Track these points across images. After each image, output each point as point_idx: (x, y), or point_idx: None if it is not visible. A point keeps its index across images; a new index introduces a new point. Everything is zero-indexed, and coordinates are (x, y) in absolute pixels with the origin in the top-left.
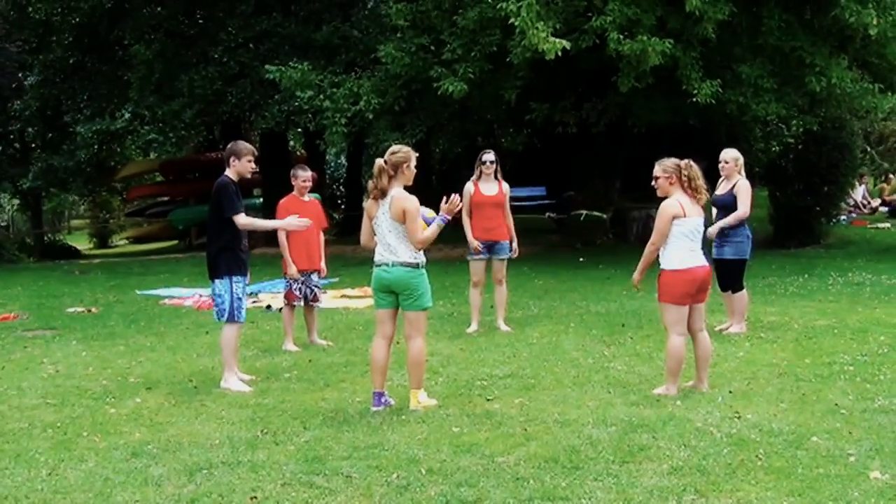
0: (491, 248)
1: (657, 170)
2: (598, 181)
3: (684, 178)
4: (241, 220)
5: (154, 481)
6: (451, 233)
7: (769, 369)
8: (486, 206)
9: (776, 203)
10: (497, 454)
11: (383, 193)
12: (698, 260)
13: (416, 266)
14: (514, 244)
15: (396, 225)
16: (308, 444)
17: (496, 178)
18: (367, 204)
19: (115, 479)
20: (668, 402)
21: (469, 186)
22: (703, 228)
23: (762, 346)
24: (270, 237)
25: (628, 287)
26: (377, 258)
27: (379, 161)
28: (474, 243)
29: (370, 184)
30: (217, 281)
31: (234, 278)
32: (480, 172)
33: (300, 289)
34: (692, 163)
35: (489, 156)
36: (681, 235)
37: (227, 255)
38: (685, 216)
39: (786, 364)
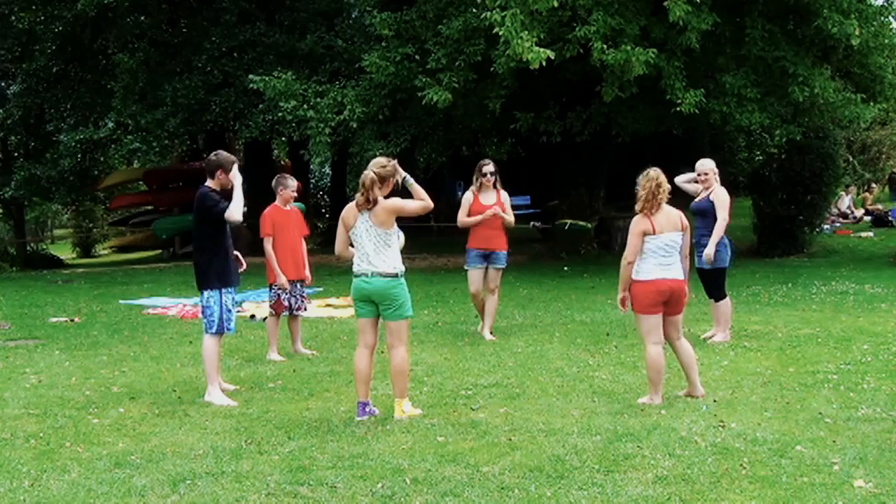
0: (488, 256)
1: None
2: (583, 190)
3: (642, 192)
4: (232, 215)
5: (137, 492)
6: (437, 241)
7: (753, 378)
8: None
9: (760, 212)
10: (482, 463)
11: (375, 203)
12: (668, 273)
13: (396, 276)
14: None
15: (379, 233)
16: (292, 454)
17: (495, 187)
18: (344, 213)
19: (98, 489)
20: (652, 412)
21: (468, 195)
22: (679, 243)
23: (746, 354)
24: (254, 246)
25: (613, 297)
26: (356, 268)
27: (370, 174)
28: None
29: (358, 195)
30: (206, 292)
31: (224, 289)
32: (480, 183)
33: (287, 298)
34: (649, 173)
35: (489, 167)
36: (649, 251)
37: (216, 265)
38: (654, 232)
39: (770, 373)
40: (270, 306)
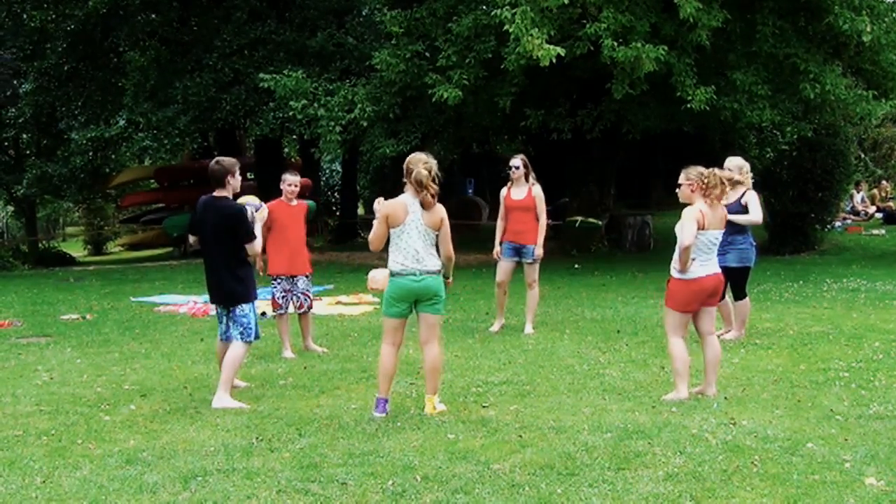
0: (518, 251)
1: (681, 177)
2: (593, 188)
3: (704, 186)
4: (253, 248)
5: (149, 489)
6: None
7: (764, 375)
8: (516, 210)
9: (771, 209)
10: (493, 461)
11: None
12: (709, 269)
13: (439, 272)
14: (538, 250)
15: (429, 233)
16: (303, 451)
17: (527, 182)
18: (391, 210)
19: (110, 486)
20: (663, 409)
21: (503, 191)
22: (719, 241)
23: (757, 352)
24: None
25: (623, 294)
26: (400, 267)
27: (434, 168)
28: (496, 250)
29: (427, 194)
30: (243, 304)
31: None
32: (509, 177)
33: (284, 297)
34: (716, 171)
35: (514, 160)
36: (693, 247)
37: (250, 277)
38: (704, 227)
39: (781, 370)
40: (272, 304)
